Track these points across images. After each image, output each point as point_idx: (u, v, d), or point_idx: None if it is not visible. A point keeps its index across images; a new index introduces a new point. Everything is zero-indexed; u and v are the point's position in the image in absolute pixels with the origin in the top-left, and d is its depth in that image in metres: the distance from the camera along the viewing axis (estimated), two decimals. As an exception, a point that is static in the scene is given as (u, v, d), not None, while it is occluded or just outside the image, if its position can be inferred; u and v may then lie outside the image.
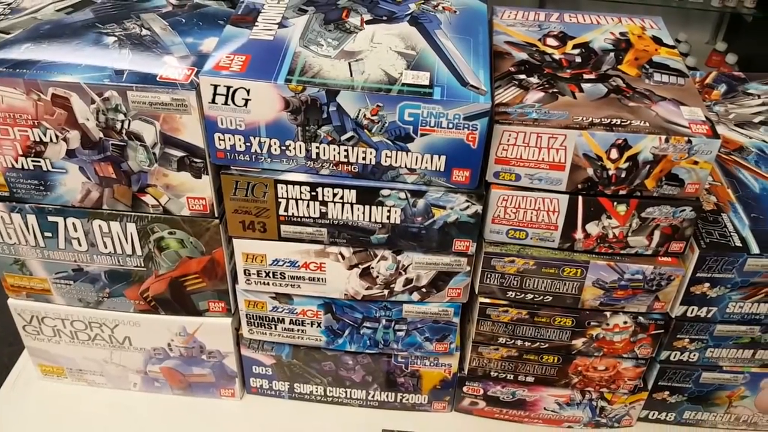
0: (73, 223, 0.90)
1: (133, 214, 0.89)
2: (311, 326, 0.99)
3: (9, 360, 1.15)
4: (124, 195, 0.87)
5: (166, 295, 0.97)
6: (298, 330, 0.99)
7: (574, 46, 0.94)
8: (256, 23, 0.85)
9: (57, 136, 0.82)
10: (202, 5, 0.93)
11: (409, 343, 0.99)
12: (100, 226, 0.90)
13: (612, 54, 0.92)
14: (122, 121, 0.80)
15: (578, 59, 0.91)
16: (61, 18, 0.88)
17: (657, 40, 0.95)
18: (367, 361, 1.03)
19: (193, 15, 0.90)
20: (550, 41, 0.94)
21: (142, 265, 0.94)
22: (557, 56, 0.92)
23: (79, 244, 0.92)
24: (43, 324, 1.02)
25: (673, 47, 0.94)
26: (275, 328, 1.00)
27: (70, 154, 0.84)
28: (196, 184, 0.85)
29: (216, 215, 0.88)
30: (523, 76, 0.87)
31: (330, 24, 0.85)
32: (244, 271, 0.93)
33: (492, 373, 1.03)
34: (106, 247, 0.92)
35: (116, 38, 0.85)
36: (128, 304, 0.99)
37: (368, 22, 0.86)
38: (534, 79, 0.87)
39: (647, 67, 0.90)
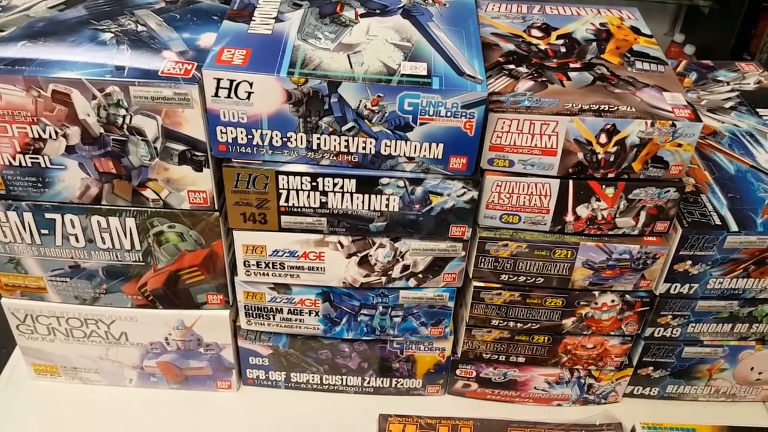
0: (71, 220, 0.90)
1: (132, 208, 0.89)
2: (309, 315, 1.00)
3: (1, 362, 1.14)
4: (124, 190, 0.87)
5: (164, 289, 0.98)
6: (296, 319, 1.01)
7: (558, 37, 0.97)
8: (253, 18, 0.86)
9: (56, 133, 0.82)
10: (195, 1, 0.94)
11: (405, 329, 1.02)
12: (98, 221, 0.90)
13: (594, 44, 0.96)
14: (123, 117, 0.81)
15: (563, 49, 0.95)
16: (54, 15, 0.88)
17: (635, 30, 0.99)
18: (363, 348, 1.05)
19: (187, 11, 0.91)
20: (535, 32, 0.98)
21: (141, 259, 0.94)
22: (543, 46, 0.95)
23: (77, 241, 0.92)
24: (38, 322, 1.02)
25: (650, 36, 0.98)
26: (273, 319, 1.01)
27: (70, 150, 0.84)
28: (197, 178, 0.86)
29: (216, 208, 0.89)
30: (512, 66, 0.90)
31: (325, 18, 0.87)
32: (244, 262, 0.94)
33: (484, 355, 1.06)
34: (104, 243, 0.93)
35: (113, 34, 0.85)
36: (125, 299, 0.99)
37: (362, 16, 0.88)
38: (523, 69, 0.90)
39: (628, 55, 0.94)
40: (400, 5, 0.91)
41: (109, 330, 1.02)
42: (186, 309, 1.00)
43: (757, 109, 1.13)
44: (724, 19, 2.58)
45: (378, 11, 0.90)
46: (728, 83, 1.20)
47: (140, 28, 0.87)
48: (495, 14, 1.02)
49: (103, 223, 0.91)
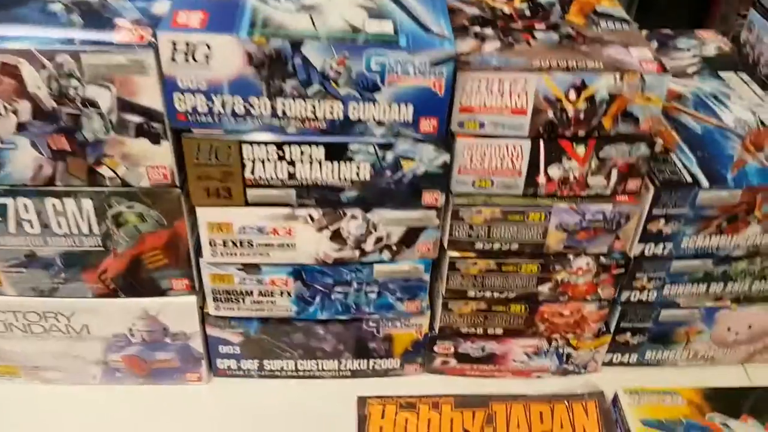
0: (25, 204, 0.86)
1: (88, 189, 0.85)
2: (281, 296, 0.97)
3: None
4: (79, 169, 0.83)
5: (125, 275, 0.93)
6: (267, 301, 0.98)
7: (522, 1, 0.96)
8: (209, -17, 0.83)
9: (6, 108, 0.78)
10: (147, -29, 0.90)
11: (380, 305, 0.99)
12: (53, 204, 0.86)
13: (557, 5, 0.95)
14: (76, 88, 0.77)
15: (527, 12, 0.94)
16: (-1, -13, 0.84)
17: (597, -8, 0.99)
18: (338, 329, 1.02)
19: (140, -20, 0.88)
20: (498, -3, 0.97)
21: (100, 244, 0.90)
22: (507, 10, 0.94)
23: (31, 227, 0.88)
24: (-8, 319, 0.97)
25: (613, -2, 0.98)
26: (243, 302, 0.97)
27: (21, 127, 0.79)
28: (156, 152, 0.82)
29: (177, 184, 0.86)
30: (478, 29, 0.89)
31: (285, -20, 0.84)
32: (209, 242, 0.91)
33: (462, 329, 1.04)
34: (60, 228, 0.88)
35: (63, 5, 0.81)
36: (86, 289, 0.95)
37: (323, -22, 0.86)
38: (489, 31, 0.88)
39: (593, 16, 0.93)
40: (361, -31, 0.89)
41: (69, 323, 0.98)
42: (150, 296, 0.96)
43: (719, 72, 1.13)
44: (677, 7, 2.63)
45: (338, -25, 0.87)
46: (689, 50, 1.20)
47: (90, -2, 0.83)
48: (457, -19, 1.01)
49: (59, 206, 0.86)
